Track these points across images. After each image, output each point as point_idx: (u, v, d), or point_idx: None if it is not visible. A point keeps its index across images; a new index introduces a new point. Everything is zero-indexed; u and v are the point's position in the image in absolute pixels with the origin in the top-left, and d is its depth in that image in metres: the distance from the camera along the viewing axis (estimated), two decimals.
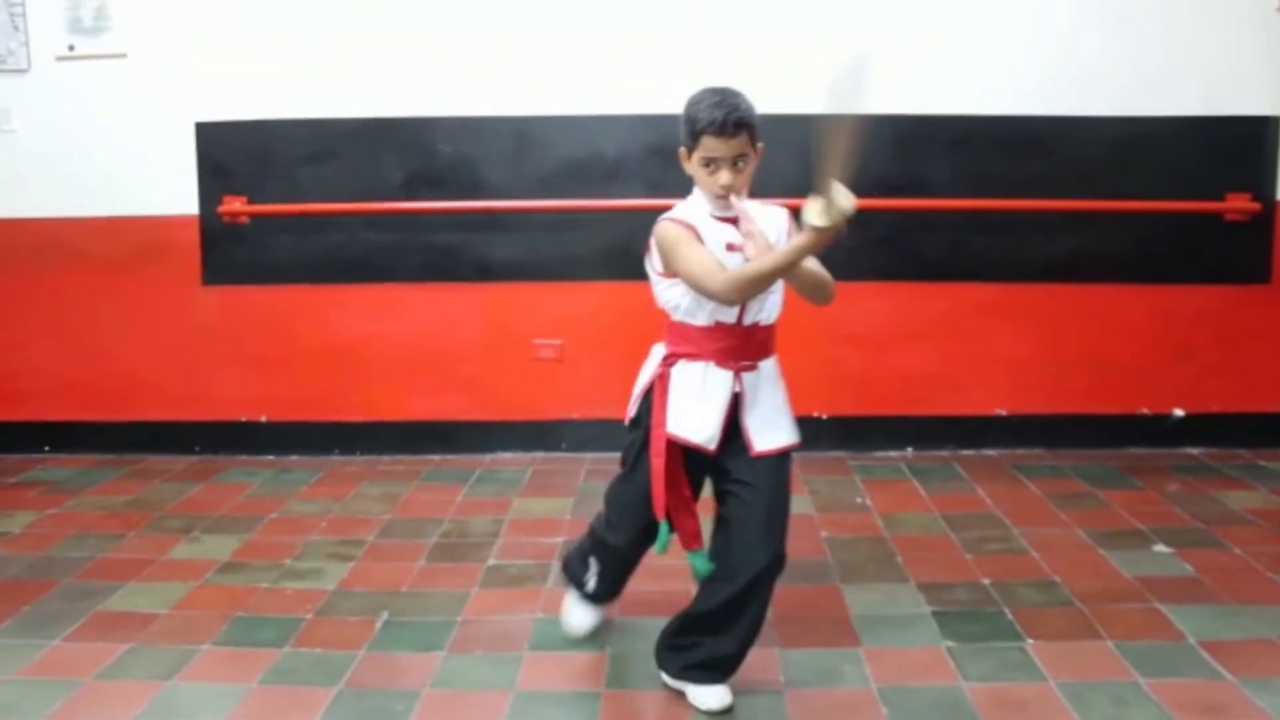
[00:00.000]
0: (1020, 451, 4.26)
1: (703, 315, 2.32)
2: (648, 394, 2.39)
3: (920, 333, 4.24)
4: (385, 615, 2.90)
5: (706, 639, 2.39)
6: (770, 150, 4.17)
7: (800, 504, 3.70)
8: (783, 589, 2.98)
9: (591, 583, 2.67)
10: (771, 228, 2.35)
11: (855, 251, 4.43)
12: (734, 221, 2.30)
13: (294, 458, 4.31)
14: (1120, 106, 4.12)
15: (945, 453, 4.24)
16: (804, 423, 4.15)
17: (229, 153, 4.22)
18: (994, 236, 4.21)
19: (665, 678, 2.49)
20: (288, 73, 4.18)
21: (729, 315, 2.31)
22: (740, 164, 2.27)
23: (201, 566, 3.24)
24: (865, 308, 4.18)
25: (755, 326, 2.35)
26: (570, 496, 3.83)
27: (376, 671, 2.60)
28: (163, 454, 4.34)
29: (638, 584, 3.06)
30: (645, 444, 2.37)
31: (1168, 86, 4.10)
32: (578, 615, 2.73)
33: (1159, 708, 2.37)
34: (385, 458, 4.30)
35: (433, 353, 4.29)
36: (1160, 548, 3.28)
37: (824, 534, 3.45)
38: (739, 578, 2.32)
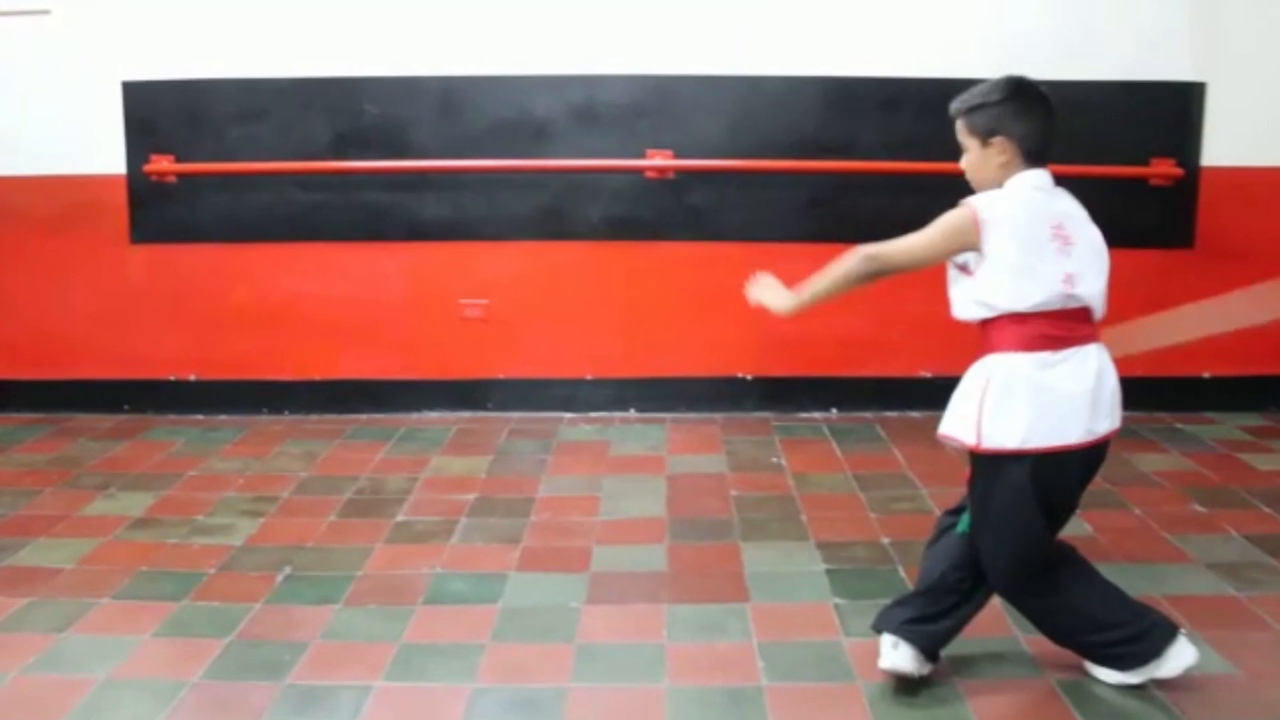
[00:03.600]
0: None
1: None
2: None
3: (849, 295, 4.23)
4: (287, 570, 2.93)
5: None
6: (690, 111, 4.18)
7: (714, 463, 3.75)
8: (681, 547, 3.06)
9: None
10: None
11: (785, 213, 4.47)
12: None
13: (222, 416, 4.32)
14: (1047, 70, 3.99)
15: (869, 414, 4.28)
16: (729, 383, 4.24)
17: (156, 112, 4.20)
18: (923, 198, 4.17)
19: None
20: (215, 32, 4.14)
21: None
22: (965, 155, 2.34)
23: (113, 523, 3.26)
24: (794, 269, 4.05)
25: None
26: (489, 455, 3.85)
27: (270, 624, 2.63)
28: (92, 412, 4.34)
29: (538, 540, 3.12)
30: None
31: (1094, 51, 4.11)
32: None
33: (1033, 662, 2.43)
34: (312, 417, 4.32)
35: (361, 312, 4.29)
36: None
37: (733, 493, 3.48)
38: None
